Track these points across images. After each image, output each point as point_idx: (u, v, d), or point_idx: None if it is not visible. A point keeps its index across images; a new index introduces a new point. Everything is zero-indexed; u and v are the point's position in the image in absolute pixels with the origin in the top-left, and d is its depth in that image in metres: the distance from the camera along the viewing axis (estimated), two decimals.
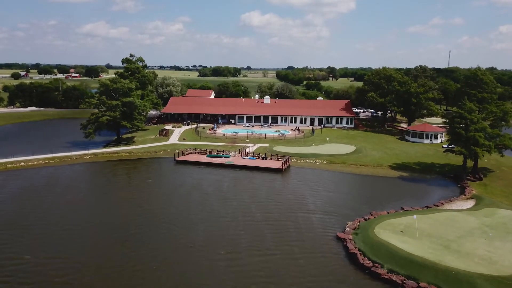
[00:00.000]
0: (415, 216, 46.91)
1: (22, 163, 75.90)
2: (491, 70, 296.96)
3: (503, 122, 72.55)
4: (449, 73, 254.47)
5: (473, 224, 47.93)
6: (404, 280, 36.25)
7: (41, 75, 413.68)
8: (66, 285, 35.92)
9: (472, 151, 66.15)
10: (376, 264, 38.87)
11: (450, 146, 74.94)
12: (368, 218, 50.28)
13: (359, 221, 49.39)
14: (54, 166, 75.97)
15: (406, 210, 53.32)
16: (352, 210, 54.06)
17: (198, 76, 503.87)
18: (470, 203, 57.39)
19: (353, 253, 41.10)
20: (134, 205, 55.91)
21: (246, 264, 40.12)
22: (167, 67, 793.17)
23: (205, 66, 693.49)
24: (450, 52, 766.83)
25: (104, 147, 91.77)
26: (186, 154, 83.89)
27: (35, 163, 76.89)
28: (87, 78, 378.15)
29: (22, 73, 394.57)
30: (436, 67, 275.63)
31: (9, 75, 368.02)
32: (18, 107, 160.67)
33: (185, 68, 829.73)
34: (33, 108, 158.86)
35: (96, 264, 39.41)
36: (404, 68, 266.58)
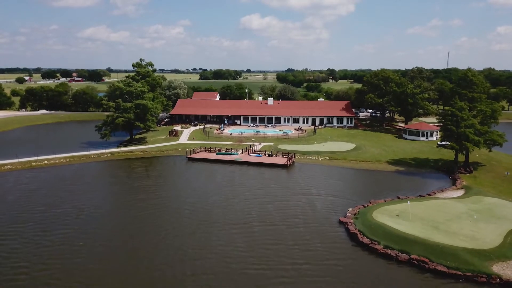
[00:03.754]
0: (409, 202, 52.65)
1: (46, 161, 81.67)
2: (489, 71, 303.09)
3: (492, 120, 78.13)
4: (447, 74, 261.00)
5: (461, 210, 53.61)
6: (398, 253, 41.99)
7: (44, 80, 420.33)
8: (108, 251, 42.07)
9: (463, 146, 71.86)
10: (373, 242, 44.57)
11: (443, 142, 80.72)
12: (367, 205, 56.00)
13: (359, 208, 55.11)
14: (76, 164, 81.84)
15: (402, 199, 58.97)
16: (352, 199, 59.77)
17: (199, 79, 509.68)
18: (460, 192, 63.12)
19: (354, 233, 46.85)
20: (157, 193, 62.95)
21: (257, 237, 47.11)
22: (168, 70, 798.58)
23: (205, 69, 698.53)
24: (449, 53, 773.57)
25: (119, 146, 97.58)
26: (197, 152, 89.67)
27: (57, 161, 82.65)
28: (91, 82, 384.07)
29: (26, 78, 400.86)
30: (434, 68, 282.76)
31: (13, 80, 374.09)
32: (29, 111, 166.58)
33: (186, 71, 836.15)
34: (44, 111, 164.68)
35: (135, 235, 45.65)
36: (404, 69, 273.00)
